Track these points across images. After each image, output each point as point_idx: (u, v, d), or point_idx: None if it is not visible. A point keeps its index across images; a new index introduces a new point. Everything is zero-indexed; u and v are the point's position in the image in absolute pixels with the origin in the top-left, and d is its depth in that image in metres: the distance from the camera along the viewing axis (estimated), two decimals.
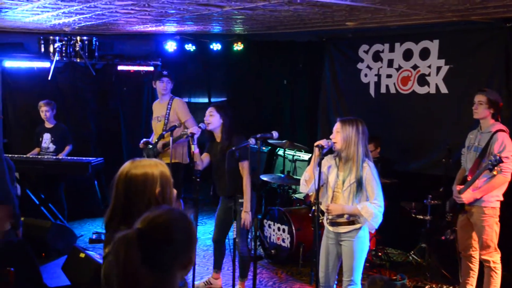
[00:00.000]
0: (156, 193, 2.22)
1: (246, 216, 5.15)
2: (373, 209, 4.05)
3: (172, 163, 6.10)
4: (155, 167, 2.26)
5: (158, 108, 6.61)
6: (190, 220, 1.75)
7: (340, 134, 4.15)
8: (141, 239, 1.61)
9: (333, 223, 4.25)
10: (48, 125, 7.39)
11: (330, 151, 4.25)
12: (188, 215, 1.77)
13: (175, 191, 2.36)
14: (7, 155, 5.74)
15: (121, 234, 1.63)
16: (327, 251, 4.34)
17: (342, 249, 4.26)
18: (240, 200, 5.18)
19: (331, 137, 4.20)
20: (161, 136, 6.14)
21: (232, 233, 5.23)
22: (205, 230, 7.72)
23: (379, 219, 4.09)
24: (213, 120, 5.18)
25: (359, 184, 4.10)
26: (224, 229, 5.50)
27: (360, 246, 4.20)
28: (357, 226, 4.17)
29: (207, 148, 5.44)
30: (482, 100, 4.87)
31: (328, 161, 4.28)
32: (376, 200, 4.08)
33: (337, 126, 4.18)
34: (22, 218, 6.26)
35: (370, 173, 4.09)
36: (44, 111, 7.28)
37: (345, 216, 4.18)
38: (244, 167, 5.14)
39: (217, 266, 5.71)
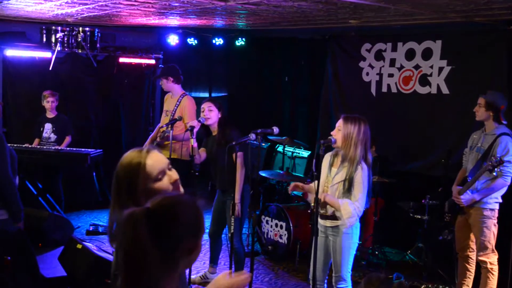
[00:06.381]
0: (123, 186, 2.15)
1: (235, 207, 5.14)
2: (352, 208, 4.06)
3: (171, 158, 6.12)
4: (131, 158, 2.18)
5: (169, 102, 6.62)
6: (199, 207, 1.76)
7: (341, 131, 4.13)
8: (149, 217, 1.62)
9: (322, 216, 4.27)
10: (50, 115, 7.38)
11: (330, 147, 4.24)
12: (198, 203, 1.77)
13: (172, 176, 2.21)
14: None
15: (129, 212, 1.64)
16: (320, 244, 4.35)
17: (331, 244, 4.28)
18: (233, 195, 5.19)
19: (332, 133, 4.19)
20: (164, 134, 6.17)
21: (228, 228, 5.24)
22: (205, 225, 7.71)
23: (354, 219, 4.10)
24: (212, 115, 5.23)
25: (350, 184, 4.10)
26: (220, 223, 5.53)
27: (347, 242, 4.21)
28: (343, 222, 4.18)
29: (204, 143, 5.46)
30: (481, 102, 4.90)
31: (326, 157, 4.30)
32: (358, 202, 4.08)
33: (339, 123, 4.17)
34: None
35: (360, 176, 4.08)
36: (50, 101, 7.29)
37: (329, 210, 4.21)
38: (239, 158, 5.15)
39: (213, 260, 5.72)
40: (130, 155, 2.20)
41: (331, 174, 4.23)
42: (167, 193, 1.75)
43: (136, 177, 2.12)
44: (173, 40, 8.75)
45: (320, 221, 4.32)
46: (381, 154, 6.64)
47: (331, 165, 4.27)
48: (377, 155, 6.52)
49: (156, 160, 2.17)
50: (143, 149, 2.21)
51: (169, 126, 5.57)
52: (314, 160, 4.38)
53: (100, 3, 5.26)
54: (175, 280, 1.71)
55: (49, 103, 7.28)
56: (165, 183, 2.17)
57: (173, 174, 2.22)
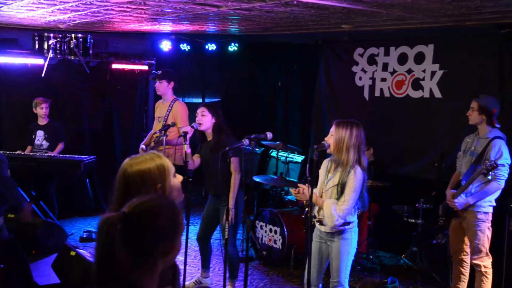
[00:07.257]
0: (158, 188, 2.20)
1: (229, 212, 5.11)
2: (332, 209, 4.04)
3: None
4: (150, 162, 2.23)
5: (160, 109, 6.59)
6: (177, 208, 1.76)
7: (333, 136, 4.13)
8: (124, 222, 1.62)
9: (320, 222, 4.26)
10: (41, 122, 7.35)
11: (324, 152, 4.24)
12: (176, 203, 1.78)
13: (180, 177, 2.34)
14: None
15: (105, 216, 1.64)
16: (315, 249, 4.35)
17: (329, 250, 4.27)
18: (227, 200, 5.17)
19: (325, 139, 4.19)
20: (158, 138, 6.14)
21: (222, 233, 5.22)
22: (196, 231, 7.67)
23: (335, 221, 4.05)
24: (205, 120, 5.22)
25: (342, 188, 4.08)
26: (209, 228, 5.54)
27: (346, 248, 4.19)
28: (341, 228, 4.17)
29: (198, 149, 5.45)
30: (474, 106, 4.92)
31: (325, 163, 4.30)
32: (343, 204, 4.05)
33: (332, 128, 4.17)
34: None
35: (352, 180, 4.05)
36: (44, 108, 7.27)
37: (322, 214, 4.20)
38: (234, 164, 5.15)
39: (205, 265, 5.71)
40: (145, 159, 2.26)
41: (327, 179, 4.23)
42: (146, 196, 1.74)
43: (167, 176, 2.25)
44: (165, 46, 8.75)
45: (317, 226, 4.31)
46: (375, 158, 6.64)
47: (328, 170, 4.27)
48: (373, 159, 6.52)
49: (168, 160, 2.31)
50: (153, 153, 2.31)
51: (163, 131, 5.55)
52: (308, 165, 4.37)
53: (93, 10, 5.25)
54: (155, 278, 1.71)
55: (42, 109, 7.26)
56: (178, 180, 2.33)
57: (178, 175, 2.37)
